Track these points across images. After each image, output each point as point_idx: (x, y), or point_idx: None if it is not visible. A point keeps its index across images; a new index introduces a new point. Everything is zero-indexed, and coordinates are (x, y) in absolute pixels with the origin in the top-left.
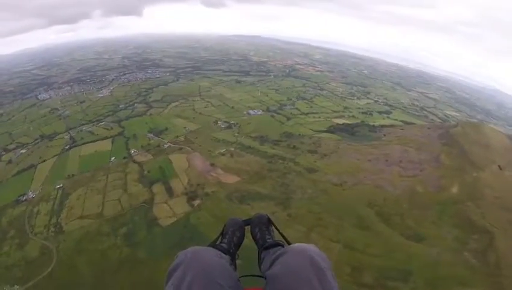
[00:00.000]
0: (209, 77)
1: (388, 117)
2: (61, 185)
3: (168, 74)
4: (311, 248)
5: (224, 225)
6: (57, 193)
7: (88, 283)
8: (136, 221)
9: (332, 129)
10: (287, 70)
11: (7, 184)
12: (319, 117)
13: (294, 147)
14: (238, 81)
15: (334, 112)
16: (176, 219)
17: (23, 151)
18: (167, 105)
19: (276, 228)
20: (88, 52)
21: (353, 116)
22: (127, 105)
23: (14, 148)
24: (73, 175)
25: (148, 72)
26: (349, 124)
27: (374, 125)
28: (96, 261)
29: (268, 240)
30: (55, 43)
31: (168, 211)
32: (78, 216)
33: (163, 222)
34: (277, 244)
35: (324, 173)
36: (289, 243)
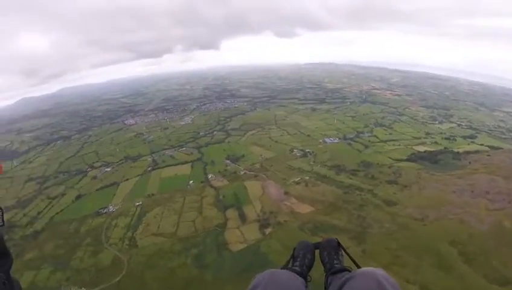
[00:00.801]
0: (284, 106)
1: (473, 142)
2: (140, 203)
3: (245, 104)
4: (379, 271)
5: (294, 248)
6: (136, 209)
7: None
8: (208, 243)
9: (413, 157)
10: (364, 96)
11: (90, 197)
12: (399, 145)
13: (372, 177)
14: (314, 109)
15: (415, 138)
16: (246, 245)
17: (108, 169)
18: (244, 133)
19: (346, 252)
20: (171, 84)
21: (435, 143)
22: (207, 132)
23: (100, 166)
24: (152, 195)
25: (227, 102)
26: (431, 151)
27: (458, 152)
28: (164, 278)
29: (336, 265)
30: (142, 75)
31: (240, 236)
32: (153, 233)
33: (234, 247)
34: (344, 270)
35: (404, 206)
36: (358, 266)
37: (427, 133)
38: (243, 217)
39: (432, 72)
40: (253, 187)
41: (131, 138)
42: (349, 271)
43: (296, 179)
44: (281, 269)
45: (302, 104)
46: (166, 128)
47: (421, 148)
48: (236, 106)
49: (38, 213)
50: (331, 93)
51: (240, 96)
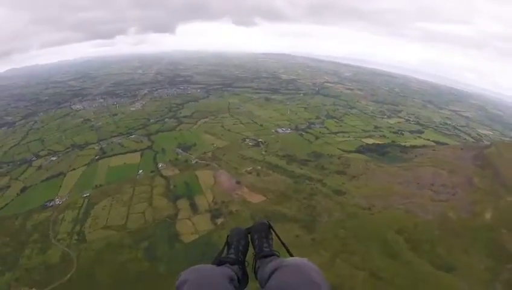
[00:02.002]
0: (238, 94)
1: (420, 137)
2: (88, 194)
3: (198, 91)
4: (306, 262)
5: (228, 235)
6: (83, 201)
7: None
8: (159, 235)
9: (362, 149)
10: (317, 89)
11: (36, 189)
12: (349, 137)
13: (322, 167)
14: (268, 99)
15: (364, 131)
16: (198, 236)
17: (54, 158)
18: (197, 121)
19: (276, 235)
20: (122, 67)
21: (384, 136)
22: (158, 119)
23: (46, 155)
24: (100, 185)
25: (179, 88)
26: (379, 144)
27: (405, 146)
28: (115, 273)
29: (265, 249)
30: (92, 56)
31: (191, 227)
32: (102, 226)
33: (186, 238)
34: (272, 254)
35: (352, 195)
36: (289, 252)
37: (376, 127)
38: (194, 208)
39: (384, 70)
40: (204, 177)
41: (78, 124)
42: (277, 255)
43: (248, 169)
44: (216, 257)
45: (256, 93)
46: (115, 115)
47: (370, 141)
48: (189, 92)
49: None
50: (285, 84)
51: (193, 82)
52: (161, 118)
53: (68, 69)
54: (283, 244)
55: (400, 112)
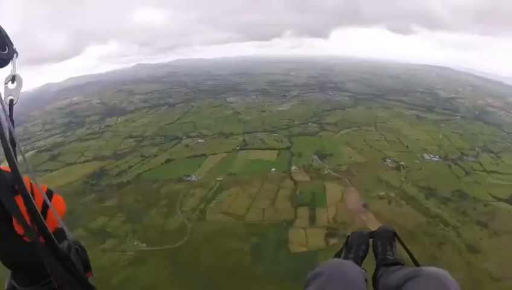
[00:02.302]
0: (388, 108)
1: None
2: (221, 179)
3: (347, 98)
4: (447, 276)
5: (347, 238)
6: (215, 184)
7: (201, 271)
8: (270, 236)
9: None
10: (477, 112)
11: (178, 163)
12: (503, 180)
13: (463, 212)
14: (419, 117)
15: None
16: (306, 250)
17: (201, 140)
18: (339, 130)
19: (403, 245)
20: (277, 68)
21: None
22: (302, 122)
23: (194, 136)
24: (234, 174)
25: (329, 94)
26: None
27: None
28: (218, 257)
29: (389, 257)
30: (251, 56)
31: (303, 238)
32: (223, 211)
33: (294, 247)
34: (397, 263)
35: (486, 257)
36: (416, 264)
37: None
38: (312, 219)
39: None
40: (333, 190)
41: (228, 115)
42: (402, 265)
43: (381, 193)
44: None
45: (408, 108)
46: (263, 111)
47: None
48: (337, 99)
49: (129, 167)
50: (441, 103)
51: (343, 89)
52: (305, 121)
53: (228, 65)
54: (410, 255)
55: None
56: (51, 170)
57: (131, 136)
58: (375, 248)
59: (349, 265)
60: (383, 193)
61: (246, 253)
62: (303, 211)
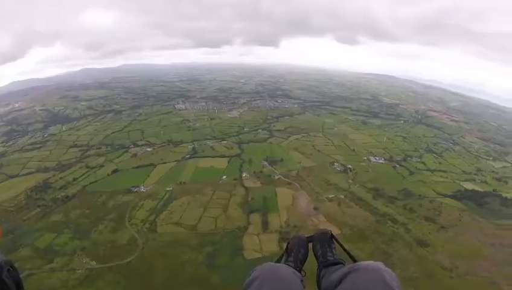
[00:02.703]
0: (335, 114)
1: None
2: (171, 189)
3: (295, 106)
4: (380, 266)
5: (287, 243)
6: (165, 194)
7: (156, 286)
8: (224, 244)
9: (459, 195)
10: (419, 117)
11: (126, 173)
12: (446, 177)
13: (410, 209)
14: (365, 123)
15: (465, 173)
16: (260, 255)
17: (149, 149)
18: (288, 136)
19: (340, 245)
20: (227, 75)
21: (485, 182)
22: (251, 129)
23: (142, 145)
24: (184, 183)
25: (277, 101)
26: (478, 191)
27: (506, 198)
28: (172, 269)
29: (329, 258)
30: (201, 63)
31: (257, 244)
32: (174, 222)
33: (248, 254)
34: (338, 263)
35: (436, 250)
36: (354, 261)
37: (479, 170)
38: (265, 225)
39: (495, 102)
40: (284, 195)
41: (177, 122)
42: (343, 264)
43: (330, 196)
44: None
45: (354, 114)
46: (213, 119)
47: (469, 186)
48: (286, 106)
49: (74, 179)
50: (385, 108)
51: (292, 97)
52: (255, 128)
53: (178, 71)
54: (348, 253)
55: (507, 154)
56: None
57: (76, 146)
58: (316, 251)
59: (283, 268)
60: (333, 196)
61: (201, 263)
62: (255, 217)
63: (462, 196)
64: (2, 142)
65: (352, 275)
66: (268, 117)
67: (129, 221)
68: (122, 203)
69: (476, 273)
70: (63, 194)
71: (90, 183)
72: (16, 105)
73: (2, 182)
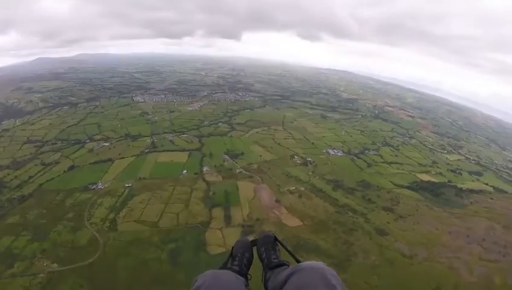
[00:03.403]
0: (295, 108)
1: (478, 179)
2: (130, 185)
3: (256, 99)
4: (322, 265)
5: (233, 247)
6: (124, 191)
7: (120, 287)
8: (187, 241)
9: (415, 186)
10: (377, 112)
11: (83, 170)
12: (403, 169)
13: (369, 200)
14: (324, 117)
15: (420, 165)
16: (224, 250)
17: (106, 144)
18: (249, 130)
19: (283, 247)
20: (187, 67)
21: (440, 174)
22: (212, 123)
23: (99, 140)
24: (144, 178)
25: (238, 94)
26: (434, 182)
27: (461, 189)
28: (135, 268)
29: (274, 260)
30: (160, 53)
31: (220, 239)
32: (135, 219)
33: (212, 249)
34: (282, 264)
35: (395, 238)
36: (297, 261)
37: (434, 162)
38: (228, 219)
39: (449, 99)
40: (245, 188)
41: (136, 115)
42: (288, 265)
43: (291, 188)
44: (220, 269)
45: (313, 109)
46: (172, 112)
47: (425, 177)
48: (247, 99)
49: (30, 177)
50: (344, 103)
51: (253, 90)
52: (215, 121)
53: (136, 61)
54: (291, 254)
55: (461, 148)
56: None
57: (30, 141)
58: (260, 254)
59: (224, 274)
60: (294, 188)
61: (165, 261)
62: (218, 212)
63: (418, 187)
64: None
65: (295, 275)
66: (229, 110)
67: (88, 220)
68: (80, 201)
69: (434, 260)
70: (19, 193)
71: (47, 181)
72: None
73: None
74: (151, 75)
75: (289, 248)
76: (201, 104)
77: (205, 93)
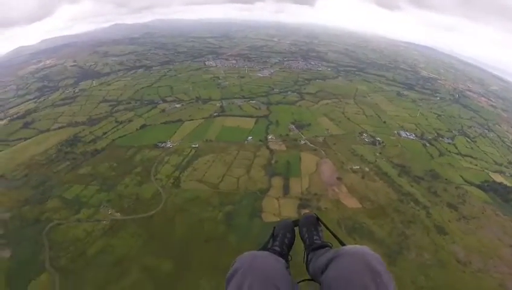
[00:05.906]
0: (369, 82)
1: None
2: (196, 146)
3: (329, 69)
4: (366, 250)
5: (274, 227)
6: (190, 151)
7: (175, 240)
8: (243, 205)
9: (486, 186)
10: (456, 96)
11: (154, 129)
12: (476, 165)
13: (435, 192)
14: (399, 94)
15: (495, 163)
16: (278, 219)
17: (177, 105)
18: (318, 101)
19: (326, 227)
20: (260, 33)
21: None
22: (281, 91)
23: (171, 101)
24: (210, 140)
25: (310, 63)
26: (506, 186)
27: None
28: (192, 225)
29: (316, 241)
30: (232, 18)
31: (276, 208)
32: (198, 179)
33: (266, 217)
34: (325, 245)
35: (453, 240)
36: (341, 243)
37: (510, 162)
38: (286, 189)
39: None
40: (308, 161)
41: (207, 79)
42: (330, 247)
43: (355, 167)
44: (261, 249)
45: (389, 84)
46: (242, 77)
47: (498, 178)
48: (319, 69)
49: (103, 133)
50: (422, 82)
51: (326, 59)
52: (285, 89)
53: (208, 27)
54: (334, 236)
55: None
56: (25, 138)
57: (105, 100)
58: (302, 235)
59: (262, 256)
60: (357, 167)
61: (220, 222)
62: (277, 181)
63: (489, 187)
64: (34, 98)
65: (337, 260)
66: (300, 79)
67: (154, 176)
68: (149, 158)
69: (488, 272)
70: (92, 147)
71: (119, 137)
72: (47, 62)
73: (33, 136)
74: (224, 40)
75: (332, 230)
76: (272, 71)
77: (276, 60)
